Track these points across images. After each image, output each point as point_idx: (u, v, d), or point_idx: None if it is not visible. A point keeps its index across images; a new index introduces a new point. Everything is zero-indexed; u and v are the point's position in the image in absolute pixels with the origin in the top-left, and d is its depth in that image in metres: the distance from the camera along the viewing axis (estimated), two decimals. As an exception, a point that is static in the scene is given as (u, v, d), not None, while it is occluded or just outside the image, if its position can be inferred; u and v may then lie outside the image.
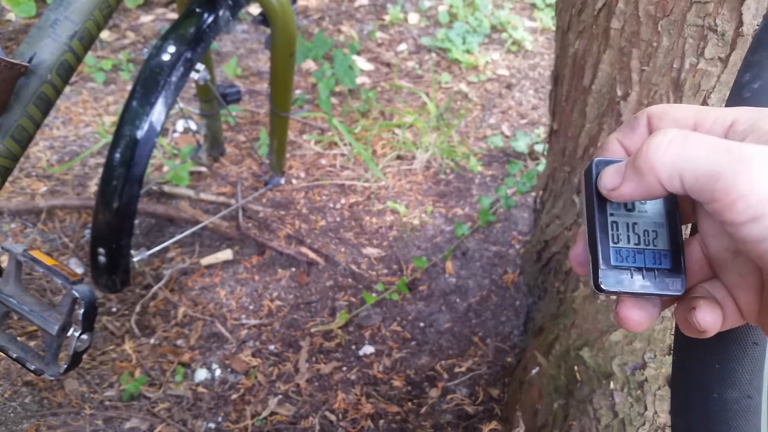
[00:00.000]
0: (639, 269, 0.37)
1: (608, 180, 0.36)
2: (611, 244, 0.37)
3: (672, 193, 0.38)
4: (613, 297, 0.39)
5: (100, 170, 1.75)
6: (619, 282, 0.37)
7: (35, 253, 0.75)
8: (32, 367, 0.72)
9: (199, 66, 1.15)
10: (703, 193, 0.30)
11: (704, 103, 0.79)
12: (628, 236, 0.37)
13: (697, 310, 0.36)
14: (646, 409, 0.90)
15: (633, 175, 0.34)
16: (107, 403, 1.23)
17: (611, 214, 0.38)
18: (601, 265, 0.37)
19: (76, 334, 0.71)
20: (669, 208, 0.38)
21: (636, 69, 0.83)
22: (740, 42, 0.73)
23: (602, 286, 0.37)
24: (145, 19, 2.44)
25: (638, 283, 0.36)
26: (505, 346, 1.36)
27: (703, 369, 0.45)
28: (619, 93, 0.86)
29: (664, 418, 0.90)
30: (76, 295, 0.70)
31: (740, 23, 0.72)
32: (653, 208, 0.38)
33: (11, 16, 2.30)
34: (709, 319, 0.36)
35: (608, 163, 0.39)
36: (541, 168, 1.77)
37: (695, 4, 0.73)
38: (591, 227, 0.38)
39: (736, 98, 0.51)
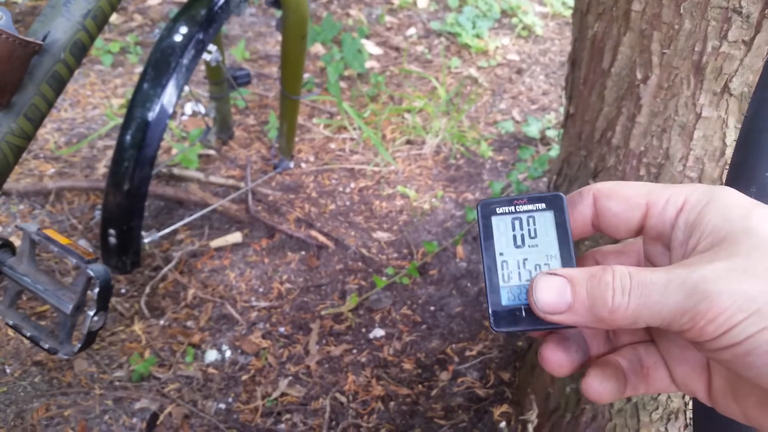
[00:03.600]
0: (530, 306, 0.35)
1: (547, 303, 0.34)
2: (501, 284, 0.37)
3: (565, 217, 0.37)
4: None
5: (109, 152, 1.74)
6: (511, 322, 0.36)
7: (49, 232, 0.74)
8: (46, 346, 0.72)
9: (211, 47, 1.14)
10: (671, 328, 0.30)
11: (726, 87, 0.78)
12: (519, 273, 0.37)
13: (584, 378, 0.36)
14: (659, 393, 0.90)
15: (586, 317, 0.33)
16: (117, 383, 1.24)
17: (501, 254, 0.37)
18: (492, 307, 0.36)
19: (90, 313, 0.71)
20: (561, 236, 0.37)
21: (657, 52, 0.81)
22: (765, 24, 0.72)
23: (494, 327, 0.36)
24: (153, 2, 2.42)
25: (530, 319, 0.35)
26: (515, 332, 1.36)
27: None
28: (639, 76, 0.84)
29: (677, 402, 0.90)
30: (91, 274, 0.70)
31: (766, 5, 0.70)
32: (545, 241, 0.37)
33: (18, -3, 2.29)
34: (592, 392, 0.36)
35: (494, 204, 0.38)
36: (553, 153, 1.75)
37: (720, -15, 0.72)
38: (483, 267, 0.37)
39: (766, 80, 0.50)
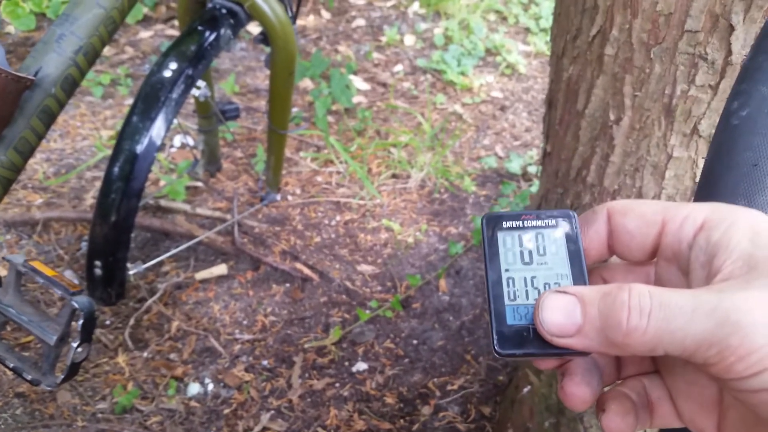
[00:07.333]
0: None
1: (555, 324, 0.31)
2: (507, 302, 0.34)
3: (576, 235, 0.35)
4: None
5: (97, 183, 1.76)
6: (517, 344, 0.32)
7: (36, 264, 0.76)
8: (29, 377, 0.73)
9: (200, 83, 1.16)
10: (693, 359, 0.27)
11: (695, 129, 0.81)
12: (527, 291, 0.34)
13: (605, 413, 0.34)
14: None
15: (598, 340, 0.30)
16: (99, 415, 1.23)
17: (506, 270, 0.34)
18: (496, 327, 0.33)
19: (74, 344, 0.72)
20: (573, 254, 0.34)
21: (629, 94, 0.85)
22: (729, 70, 0.75)
23: (498, 349, 0.33)
24: (144, 34, 2.46)
25: (538, 343, 0.32)
26: (497, 365, 1.37)
27: None
28: (612, 117, 0.88)
29: (654, 437, 0.91)
30: (76, 305, 0.71)
31: (729, 52, 0.74)
32: (555, 259, 0.34)
33: (10, 29, 2.31)
34: (614, 427, 0.33)
35: (500, 217, 0.36)
36: (534, 189, 1.79)
37: (687, 33, 0.76)
38: (486, 284, 0.35)
39: (725, 125, 0.53)
